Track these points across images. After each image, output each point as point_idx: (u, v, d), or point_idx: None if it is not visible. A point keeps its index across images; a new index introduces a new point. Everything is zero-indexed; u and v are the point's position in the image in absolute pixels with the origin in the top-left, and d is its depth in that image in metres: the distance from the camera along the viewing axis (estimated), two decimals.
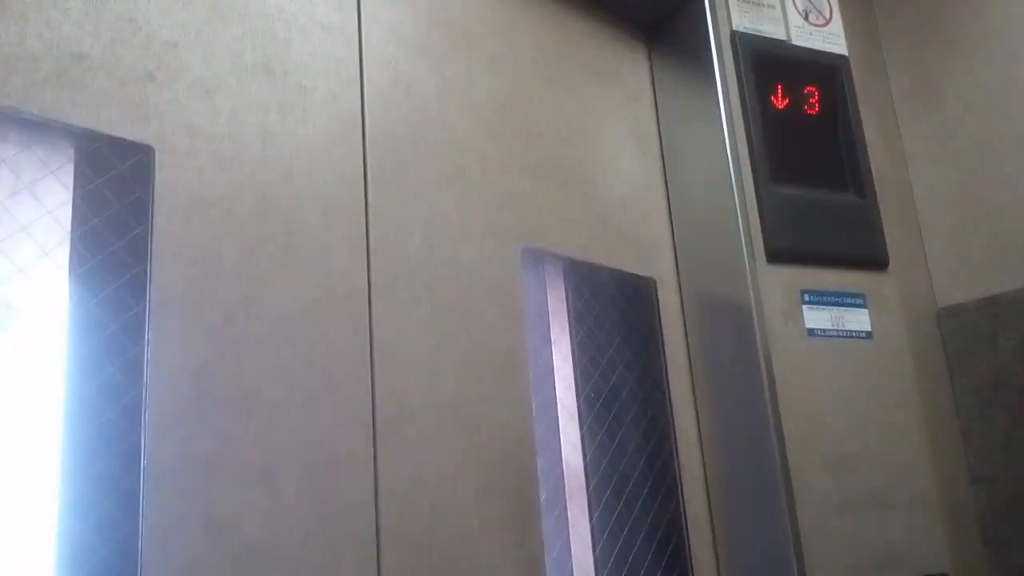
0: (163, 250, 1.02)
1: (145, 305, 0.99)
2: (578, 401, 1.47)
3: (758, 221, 1.69)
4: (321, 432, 1.09)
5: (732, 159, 1.71)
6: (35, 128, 0.96)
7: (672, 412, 1.65)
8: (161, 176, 1.04)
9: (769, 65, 1.84)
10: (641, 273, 1.70)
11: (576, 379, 1.48)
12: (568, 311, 1.51)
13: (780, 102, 1.83)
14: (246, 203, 1.11)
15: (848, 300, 1.74)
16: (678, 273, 1.79)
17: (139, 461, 0.94)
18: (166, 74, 1.08)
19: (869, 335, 1.74)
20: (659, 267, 1.75)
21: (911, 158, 2.07)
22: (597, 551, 1.41)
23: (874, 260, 1.80)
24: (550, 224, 1.53)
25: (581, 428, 1.46)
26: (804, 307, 1.69)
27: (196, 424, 0.99)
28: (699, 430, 1.69)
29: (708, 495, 1.65)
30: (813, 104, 1.87)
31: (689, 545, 1.57)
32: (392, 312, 1.23)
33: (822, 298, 1.71)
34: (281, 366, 1.08)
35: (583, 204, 1.62)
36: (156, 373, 0.97)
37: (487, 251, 1.40)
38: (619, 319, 1.61)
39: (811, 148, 1.84)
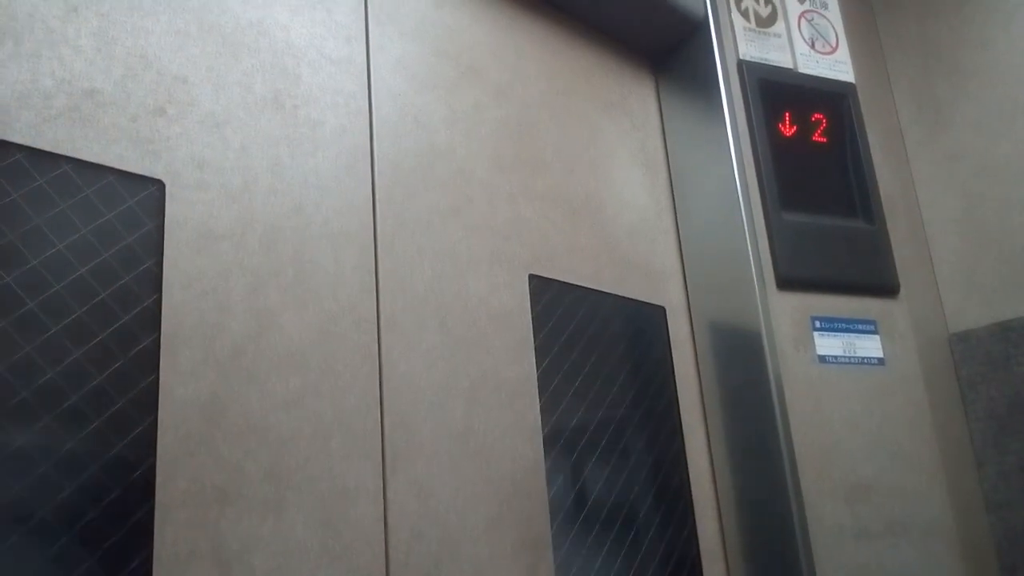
0: (173, 283, 1.02)
1: (156, 338, 0.99)
2: (589, 430, 1.46)
3: (767, 248, 1.70)
4: (330, 464, 1.09)
5: (741, 186, 1.72)
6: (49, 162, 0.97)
7: (684, 440, 1.64)
8: (172, 209, 1.05)
9: (776, 93, 1.85)
10: (651, 301, 1.70)
11: (587, 408, 1.47)
12: (578, 339, 1.51)
13: (788, 130, 1.84)
14: (256, 235, 1.12)
15: (859, 326, 1.73)
16: (688, 301, 1.79)
17: (150, 493, 0.94)
18: (176, 109, 1.09)
19: (881, 361, 1.73)
20: (668, 295, 1.75)
21: (920, 183, 2.07)
22: None
23: (884, 286, 1.80)
24: (559, 253, 1.54)
25: (592, 457, 1.45)
26: (815, 333, 1.68)
27: (206, 456, 0.99)
28: (711, 458, 1.68)
29: (721, 523, 1.64)
30: (821, 131, 1.88)
31: (702, 574, 1.56)
32: (401, 343, 1.23)
33: (833, 324, 1.71)
34: (290, 398, 1.08)
35: (592, 232, 1.62)
36: (167, 405, 0.98)
37: (496, 280, 1.41)
38: (629, 347, 1.61)
39: (819, 175, 1.84)
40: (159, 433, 0.96)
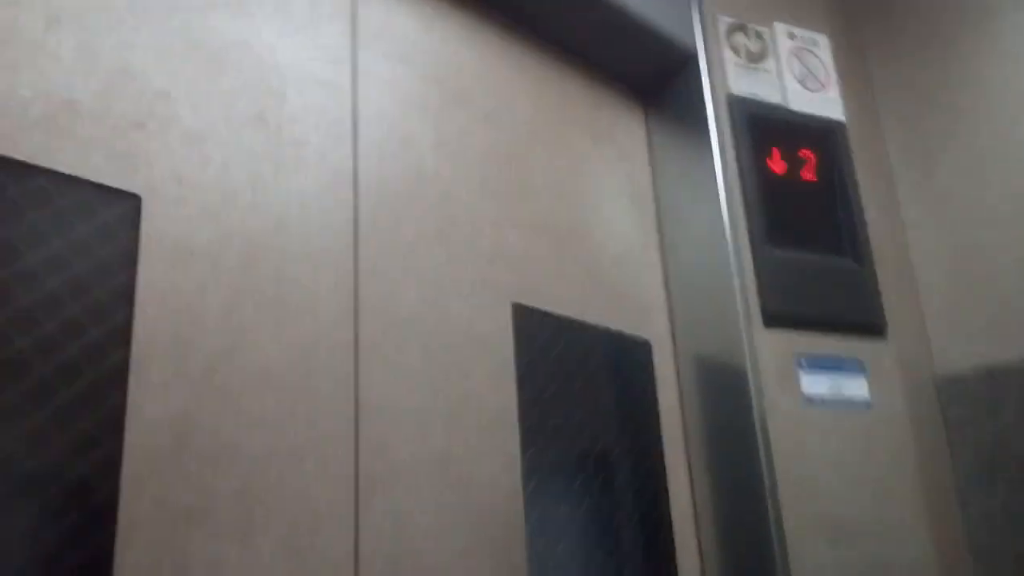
0: (147, 298, 1.00)
1: (127, 353, 0.97)
2: (570, 461, 1.44)
3: (754, 284, 1.69)
4: (302, 487, 1.07)
5: (728, 221, 1.71)
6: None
7: (666, 476, 1.61)
8: (148, 224, 1.03)
9: (766, 129, 1.85)
10: (636, 334, 1.68)
11: (568, 439, 1.45)
12: (561, 370, 1.49)
13: (777, 166, 1.83)
14: (233, 253, 1.10)
15: (846, 366, 1.72)
16: (673, 335, 1.77)
17: (112, 513, 0.91)
18: (157, 123, 1.08)
19: (867, 404, 1.72)
20: (654, 328, 1.73)
21: (909, 223, 2.06)
22: None
23: (872, 326, 1.79)
24: (543, 281, 1.52)
25: (572, 489, 1.43)
26: (801, 372, 1.66)
27: (173, 477, 0.96)
28: (693, 496, 1.65)
29: (702, 561, 1.61)
30: (810, 168, 1.88)
31: None
32: (380, 366, 1.21)
33: (819, 363, 1.69)
34: (263, 418, 1.06)
35: (577, 262, 1.61)
36: (134, 423, 0.95)
37: (478, 306, 1.39)
38: (613, 380, 1.59)
39: (808, 212, 1.84)
40: (125, 451, 0.93)
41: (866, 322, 1.78)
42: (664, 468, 1.62)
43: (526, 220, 1.54)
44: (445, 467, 1.24)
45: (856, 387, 1.71)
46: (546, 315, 1.51)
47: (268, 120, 1.20)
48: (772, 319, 1.67)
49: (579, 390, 1.51)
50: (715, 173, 1.75)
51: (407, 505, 1.17)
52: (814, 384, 1.67)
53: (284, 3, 1.28)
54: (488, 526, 1.26)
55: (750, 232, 1.72)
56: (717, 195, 1.74)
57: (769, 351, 1.65)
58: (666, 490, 1.60)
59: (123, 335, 0.97)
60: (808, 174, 1.87)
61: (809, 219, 1.83)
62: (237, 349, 1.06)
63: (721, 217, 1.72)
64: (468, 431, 1.29)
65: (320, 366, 1.14)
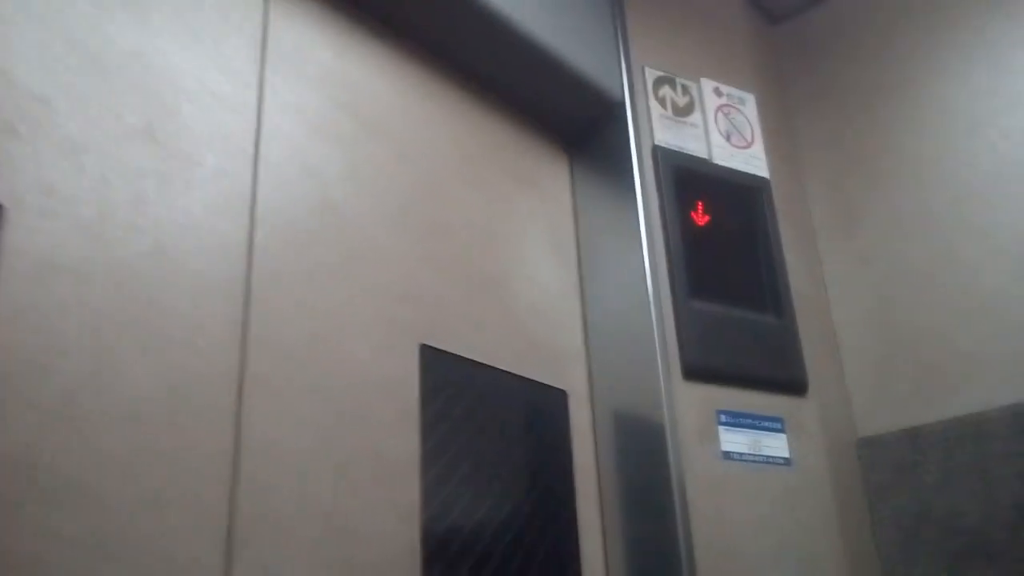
0: (2, 315, 0.90)
1: None
2: (476, 518, 1.34)
3: (675, 336, 1.63)
4: (163, 534, 0.95)
5: (650, 271, 1.67)
6: None
7: (578, 535, 1.53)
8: (10, 236, 0.93)
9: (690, 181, 1.82)
10: (552, 384, 1.60)
11: (475, 494, 1.36)
12: (470, 419, 1.40)
13: (700, 219, 1.80)
14: (105, 272, 1.00)
15: (766, 423, 1.67)
16: (591, 386, 1.70)
17: None
18: (30, 129, 0.99)
19: (788, 462, 1.66)
20: (571, 379, 1.66)
21: (832, 282, 2.05)
22: None
23: (793, 383, 1.74)
24: (456, 324, 1.45)
25: (477, 551, 1.33)
26: (720, 428, 1.61)
27: (10, 520, 0.85)
28: (606, 558, 1.56)
29: None
30: (734, 223, 1.85)
31: None
32: (266, 403, 1.11)
33: (739, 419, 1.64)
34: (122, 456, 0.95)
35: (493, 307, 1.54)
36: None
37: (382, 347, 1.30)
38: (526, 431, 1.51)
39: (730, 266, 1.81)
40: None
41: (788, 379, 1.74)
42: (577, 529, 1.53)
43: (440, 260, 1.47)
44: (331, 520, 1.13)
45: (777, 446, 1.66)
46: (457, 359, 1.43)
47: (157, 134, 1.11)
48: (692, 372, 1.62)
49: (490, 441, 1.42)
50: (638, 223, 1.71)
51: (285, 561, 1.06)
52: (734, 441, 1.61)
53: (189, 13, 1.20)
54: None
55: (672, 284, 1.68)
56: (640, 245, 1.69)
57: (689, 405, 1.60)
58: (579, 549, 1.51)
59: None
60: (732, 228, 1.84)
61: (731, 273, 1.80)
62: (100, 377, 0.95)
63: (643, 267, 1.67)
64: (362, 481, 1.19)
65: (197, 400, 1.04)
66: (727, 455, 1.59)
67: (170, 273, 1.06)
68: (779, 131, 2.13)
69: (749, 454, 1.62)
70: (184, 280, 1.07)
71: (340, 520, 1.14)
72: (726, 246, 1.82)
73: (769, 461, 1.64)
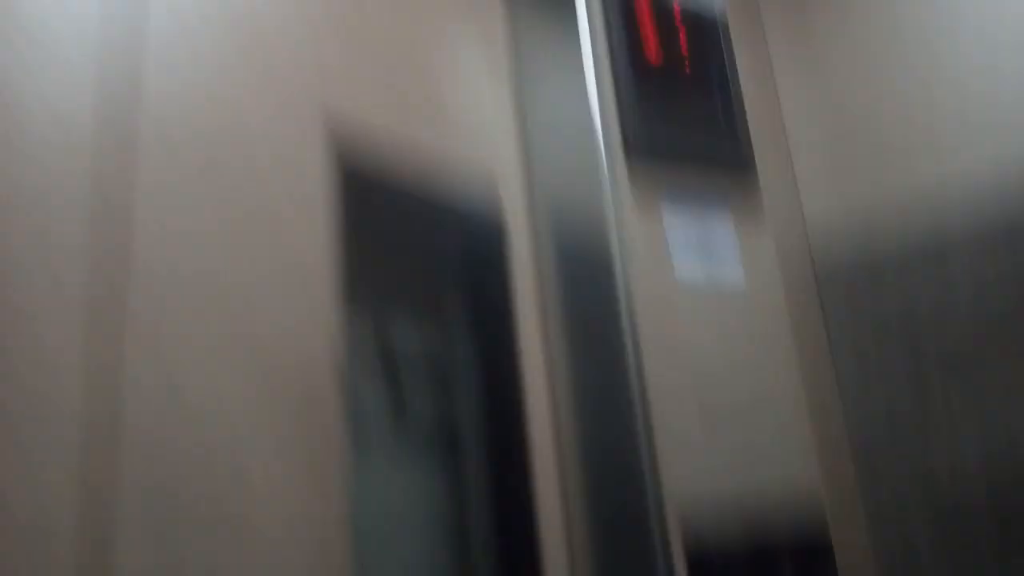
0: None
1: None
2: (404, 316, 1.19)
3: (617, 123, 1.46)
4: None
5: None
6: None
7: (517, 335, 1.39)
8: None
9: None
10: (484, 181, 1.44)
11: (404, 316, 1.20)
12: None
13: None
14: None
15: (713, 210, 1.52)
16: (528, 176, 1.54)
17: None
18: None
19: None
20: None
21: (779, 72, 1.90)
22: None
23: (737, 159, 1.61)
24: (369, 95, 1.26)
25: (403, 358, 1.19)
26: (664, 208, 1.46)
27: None
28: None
29: (561, 457, 1.40)
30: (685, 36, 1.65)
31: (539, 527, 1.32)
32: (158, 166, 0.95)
33: (684, 202, 1.49)
34: None
35: (415, 84, 1.35)
36: None
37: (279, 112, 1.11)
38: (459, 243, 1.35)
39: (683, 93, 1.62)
40: None
41: (731, 153, 1.60)
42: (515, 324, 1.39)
43: (353, 30, 1.28)
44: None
45: (724, 233, 1.52)
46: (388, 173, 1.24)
47: None
48: (636, 154, 1.46)
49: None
50: (580, 45, 1.52)
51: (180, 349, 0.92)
52: (682, 235, 1.47)
53: None
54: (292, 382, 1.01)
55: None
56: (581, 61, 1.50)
57: (632, 193, 1.44)
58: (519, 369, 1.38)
59: None
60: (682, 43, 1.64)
61: (684, 92, 1.61)
62: None
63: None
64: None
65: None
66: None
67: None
68: None
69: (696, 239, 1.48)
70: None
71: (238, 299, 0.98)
72: (676, 64, 1.62)
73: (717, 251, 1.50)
